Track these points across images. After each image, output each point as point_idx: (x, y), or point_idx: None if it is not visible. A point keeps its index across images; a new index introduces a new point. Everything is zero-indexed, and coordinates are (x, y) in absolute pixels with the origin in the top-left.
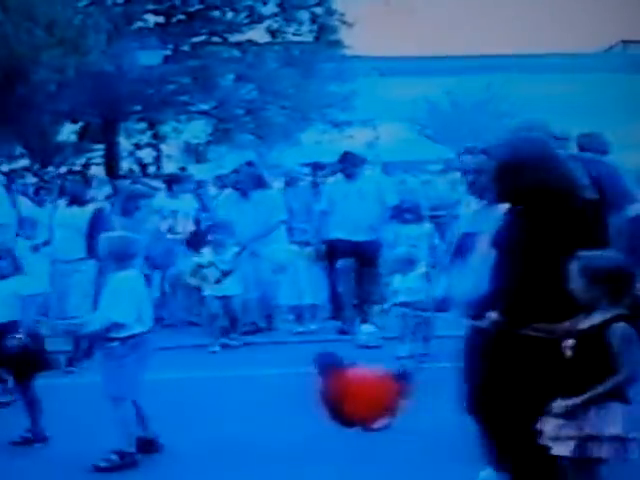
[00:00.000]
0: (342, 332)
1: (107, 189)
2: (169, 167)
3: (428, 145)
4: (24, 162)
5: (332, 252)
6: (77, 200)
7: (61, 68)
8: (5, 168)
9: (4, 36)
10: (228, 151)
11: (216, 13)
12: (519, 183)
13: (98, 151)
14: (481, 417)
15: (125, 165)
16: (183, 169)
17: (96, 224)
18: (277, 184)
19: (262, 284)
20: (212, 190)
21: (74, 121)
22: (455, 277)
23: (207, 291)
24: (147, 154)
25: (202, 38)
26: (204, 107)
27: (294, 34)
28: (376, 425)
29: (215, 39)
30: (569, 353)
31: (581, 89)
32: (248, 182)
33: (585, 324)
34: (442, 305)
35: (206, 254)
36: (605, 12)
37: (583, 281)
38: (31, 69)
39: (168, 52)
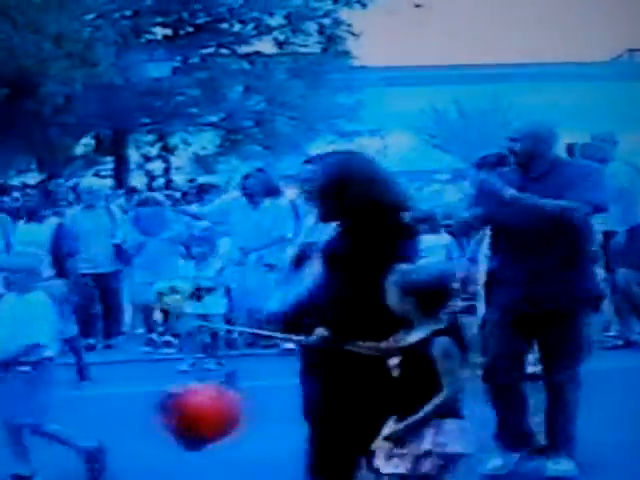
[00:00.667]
0: None
1: (120, 200)
2: (178, 178)
3: (436, 154)
4: (33, 175)
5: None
6: (33, 216)
7: (69, 81)
8: (16, 181)
9: (12, 49)
10: (238, 162)
11: (224, 25)
12: (342, 200)
13: (107, 163)
14: (315, 431)
15: (134, 177)
16: (192, 180)
17: (59, 240)
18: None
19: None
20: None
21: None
22: (288, 290)
23: (187, 308)
24: (156, 166)
25: (210, 50)
26: (213, 119)
27: (301, 45)
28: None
29: (223, 51)
30: (396, 371)
31: (588, 98)
32: (259, 189)
33: (406, 341)
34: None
35: (187, 269)
36: (612, 21)
37: (396, 294)
38: (39, 82)
39: (176, 64)
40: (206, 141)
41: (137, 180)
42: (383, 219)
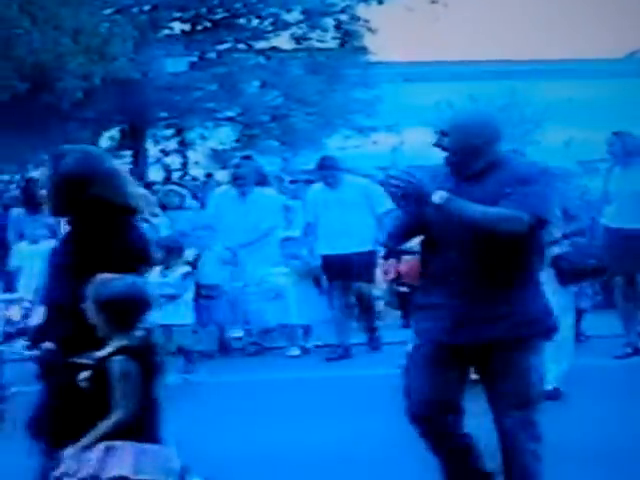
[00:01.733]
0: (340, 357)
1: None
2: (196, 173)
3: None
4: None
5: (323, 269)
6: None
7: (87, 76)
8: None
9: (30, 44)
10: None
11: (241, 20)
12: (66, 194)
13: (125, 157)
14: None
15: (152, 171)
16: (209, 175)
17: None
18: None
19: (249, 311)
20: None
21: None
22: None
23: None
24: (174, 160)
25: (228, 45)
26: (230, 114)
27: (319, 41)
28: None
29: (240, 46)
30: (84, 384)
31: (604, 94)
32: (249, 177)
33: (95, 356)
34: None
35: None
36: (627, 18)
37: (90, 306)
38: (57, 77)
39: (194, 59)
40: (223, 136)
41: (155, 174)
42: (103, 217)
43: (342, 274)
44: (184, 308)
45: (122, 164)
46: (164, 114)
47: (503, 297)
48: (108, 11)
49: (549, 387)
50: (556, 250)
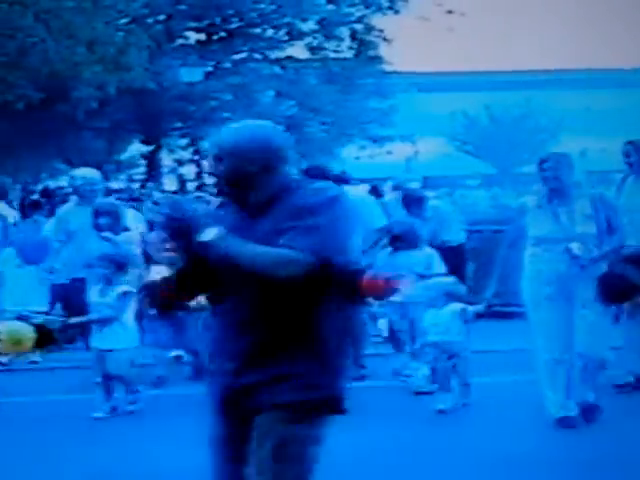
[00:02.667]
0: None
1: None
2: (210, 183)
3: (467, 160)
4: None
5: None
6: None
7: (102, 85)
8: (52, 184)
9: (46, 53)
10: None
11: (256, 30)
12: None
13: (140, 167)
14: None
15: (167, 181)
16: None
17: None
18: None
19: None
20: None
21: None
22: None
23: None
24: (188, 170)
25: (243, 55)
26: None
27: (334, 50)
28: None
29: (256, 56)
30: None
31: (620, 104)
32: None
33: None
34: None
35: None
36: None
37: None
38: (72, 86)
39: (209, 69)
40: None
41: (170, 184)
42: None
43: None
44: (122, 331)
45: (136, 174)
46: (179, 124)
47: (285, 355)
48: (123, 21)
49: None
50: (604, 266)
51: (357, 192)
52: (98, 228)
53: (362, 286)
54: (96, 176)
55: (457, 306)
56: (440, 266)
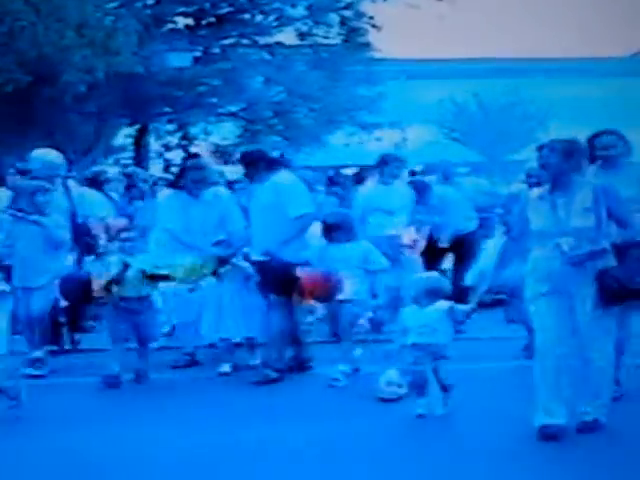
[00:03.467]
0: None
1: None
2: None
3: (456, 148)
4: None
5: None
6: None
7: (90, 69)
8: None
9: (34, 37)
10: None
11: (246, 16)
12: None
13: (127, 152)
14: None
15: (154, 166)
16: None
17: None
18: None
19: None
20: None
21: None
22: None
23: None
24: (176, 155)
25: (232, 40)
26: (233, 109)
27: (323, 37)
28: None
29: (244, 41)
30: None
31: (608, 93)
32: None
33: None
34: None
35: None
36: (632, 17)
37: None
38: (61, 70)
39: (198, 54)
40: (226, 131)
41: (157, 169)
42: None
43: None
44: None
45: (123, 159)
46: (167, 109)
47: None
48: (112, 5)
49: (588, 418)
50: (600, 263)
51: (285, 178)
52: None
53: (302, 287)
54: (57, 160)
55: (444, 304)
56: (380, 260)
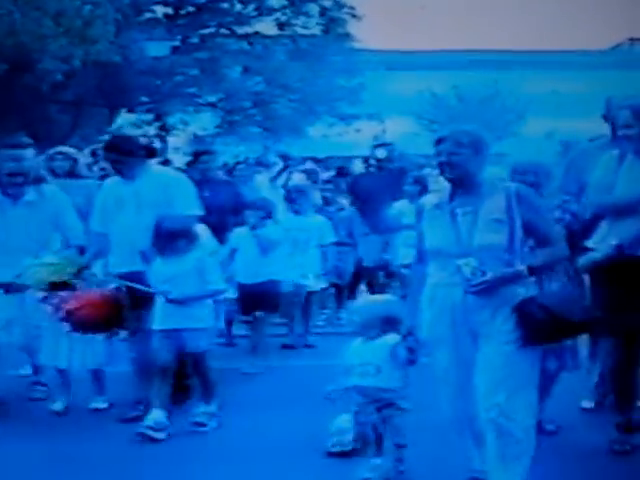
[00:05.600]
0: None
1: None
2: (176, 159)
3: (434, 139)
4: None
5: None
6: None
7: (68, 58)
8: None
9: (12, 25)
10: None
11: (225, 5)
12: None
13: (104, 142)
14: None
15: None
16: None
17: None
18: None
19: None
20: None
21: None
22: None
23: None
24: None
25: (210, 30)
26: (211, 99)
27: (303, 27)
28: None
29: (223, 31)
30: None
31: (588, 86)
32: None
33: None
34: None
35: None
36: (613, 10)
37: None
38: (38, 58)
39: (176, 43)
40: (205, 121)
41: None
42: None
43: None
44: None
45: (100, 149)
46: (145, 98)
47: None
48: None
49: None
50: (521, 291)
51: (168, 171)
52: None
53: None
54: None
55: (393, 338)
56: (217, 279)
